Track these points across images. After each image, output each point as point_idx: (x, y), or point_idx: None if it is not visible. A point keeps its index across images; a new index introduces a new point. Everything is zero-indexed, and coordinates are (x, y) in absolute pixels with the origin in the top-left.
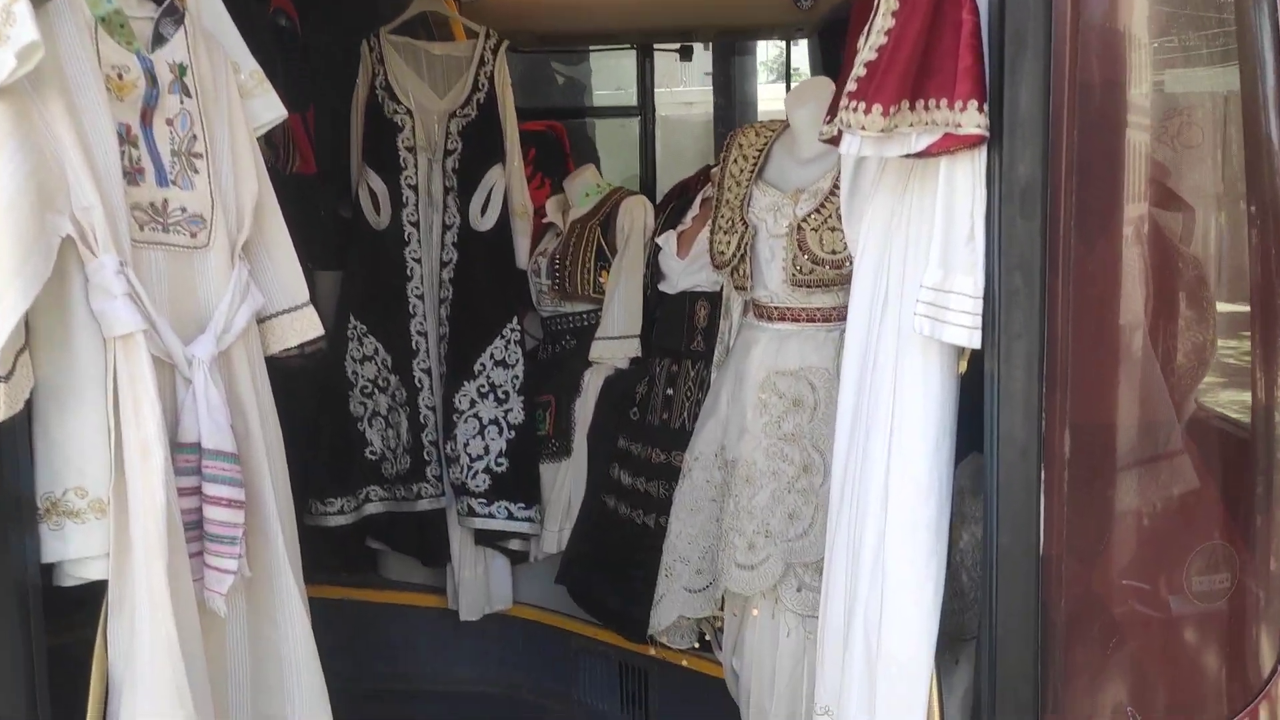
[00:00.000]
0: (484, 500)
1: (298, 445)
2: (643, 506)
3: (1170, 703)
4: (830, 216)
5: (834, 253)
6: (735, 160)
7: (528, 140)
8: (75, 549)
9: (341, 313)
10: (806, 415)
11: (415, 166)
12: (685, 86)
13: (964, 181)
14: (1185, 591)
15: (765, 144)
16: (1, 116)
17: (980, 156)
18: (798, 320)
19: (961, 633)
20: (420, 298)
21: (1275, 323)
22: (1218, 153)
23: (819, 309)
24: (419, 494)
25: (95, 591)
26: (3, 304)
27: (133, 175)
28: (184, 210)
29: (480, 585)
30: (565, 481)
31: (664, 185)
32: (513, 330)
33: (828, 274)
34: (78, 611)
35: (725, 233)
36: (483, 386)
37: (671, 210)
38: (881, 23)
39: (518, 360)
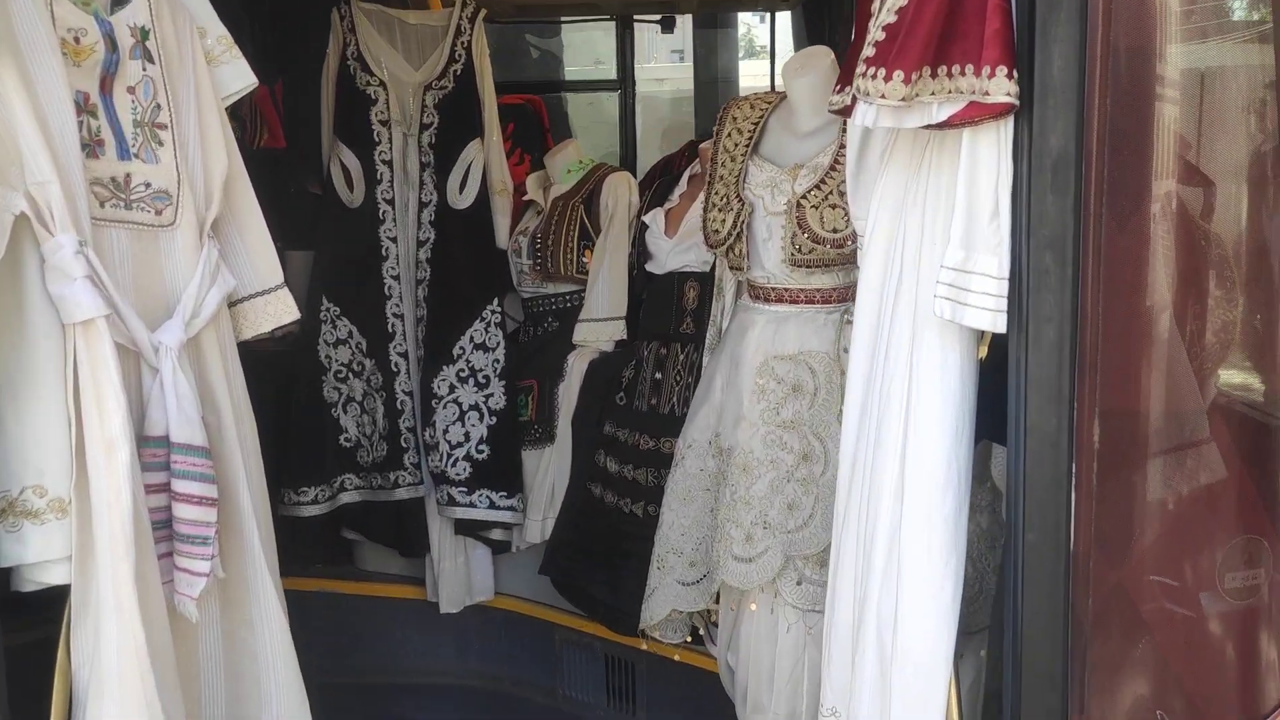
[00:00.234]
0: (464, 489)
1: (269, 432)
2: (630, 495)
3: (1201, 704)
4: (831, 193)
5: (835, 231)
6: (729, 134)
7: (506, 114)
8: (34, 552)
9: (313, 294)
10: (806, 401)
11: (390, 141)
12: (655, 63)
13: (988, 154)
14: (1218, 587)
15: (761, 117)
16: None
17: (1006, 127)
18: (796, 302)
19: (967, 626)
20: (396, 278)
21: None
22: (1251, 125)
23: (818, 290)
24: (396, 482)
25: (58, 595)
26: None
27: (92, 148)
28: (148, 185)
29: (461, 576)
30: (549, 469)
31: (640, 162)
32: (493, 312)
33: (828, 253)
34: (39, 614)
35: (720, 210)
36: (462, 371)
37: (658, 187)
38: None
39: (499, 343)
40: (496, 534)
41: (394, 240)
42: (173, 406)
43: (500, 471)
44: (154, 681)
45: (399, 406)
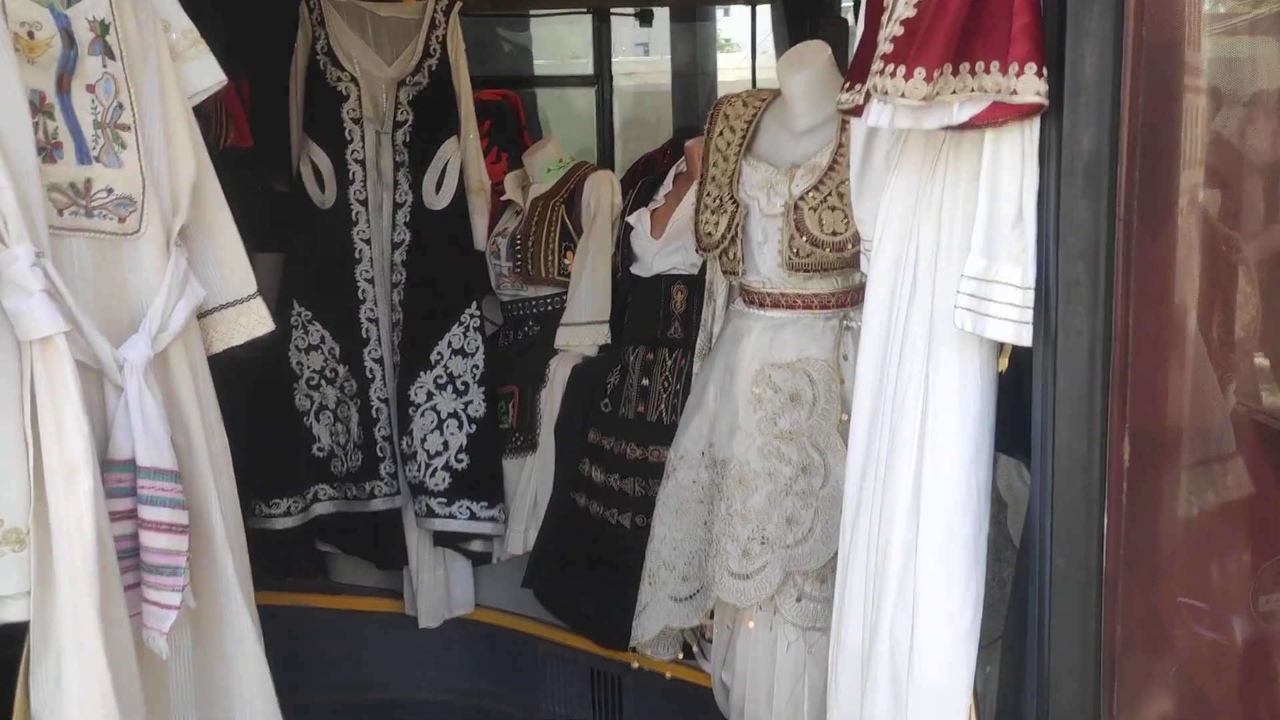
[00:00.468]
0: (444, 500)
1: (238, 442)
2: (617, 505)
3: None
4: (830, 194)
5: (835, 234)
6: (721, 133)
7: (482, 111)
8: None
9: (284, 299)
10: (805, 411)
11: (362, 139)
12: (621, 56)
13: (1011, 157)
14: (1253, 614)
15: (754, 115)
16: None
17: (1031, 129)
18: (793, 307)
19: None
20: (370, 282)
21: None
22: None
23: (816, 295)
24: (372, 493)
25: (16, 633)
26: None
27: (49, 151)
28: (110, 191)
29: (440, 589)
30: (531, 478)
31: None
32: (472, 316)
33: (828, 257)
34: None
35: (713, 212)
36: (440, 377)
37: (642, 186)
38: None
39: (478, 348)
40: (477, 545)
41: (367, 242)
42: (139, 428)
43: (480, 481)
44: None
45: (374, 414)
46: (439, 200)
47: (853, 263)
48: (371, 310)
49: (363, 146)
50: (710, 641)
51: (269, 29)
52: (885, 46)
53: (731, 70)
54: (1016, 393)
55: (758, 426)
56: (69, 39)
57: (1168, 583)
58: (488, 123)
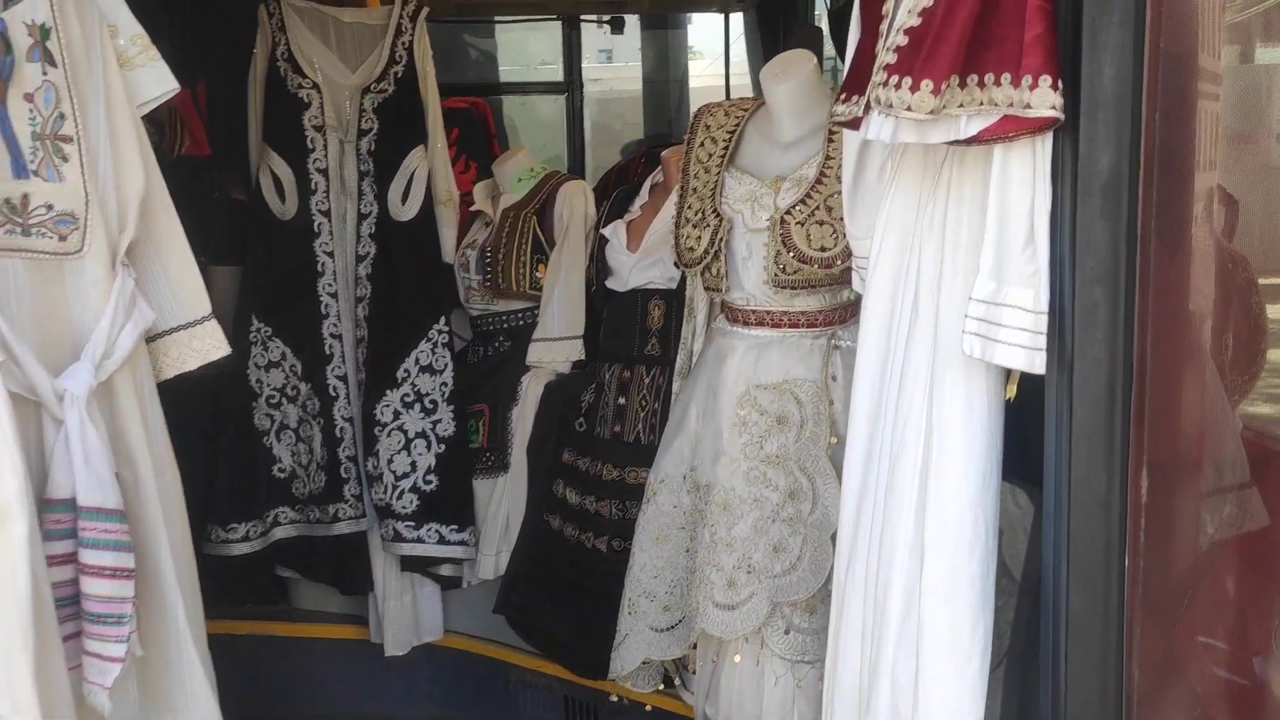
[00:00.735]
0: (412, 523)
1: (194, 465)
2: (593, 528)
3: None
4: (818, 208)
5: (823, 250)
6: (702, 143)
7: (449, 119)
8: None
9: (242, 314)
10: (792, 434)
11: (325, 148)
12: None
13: (1021, 174)
14: (1273, 655)
15: (737, 125)
16: None
17: (1044, 145)
18: (779, 325)
19: None
20: (334, 296)
21: None
22: None
23: (803, 313)
24: (336, 515)
25: None
26: None
27: None
28: (50, 208)
29: (407, 615)
30: (502, 500)
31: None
32: (440, 332)
33: (816, 274)
34: None
35: (695, 226)
36: (408, 395)
37: (617, 197)
38: None
39: (446, 365)
40: (446, 569)
41: (330, 255)
42: (80, 464)
43: (450, 503)
44: None
45: (338, 434)
46: (405, 211)
47: (842, 280)
48: (335, 326)
49: (325, 156)
50: (693, 672)
51: (226, 33)
52: (888, 56)
53: (704, 78)
54: (1010, 414)
55: (743, 450)
56: (5, 45)
57: (1187, 623)
58: (456, 131)
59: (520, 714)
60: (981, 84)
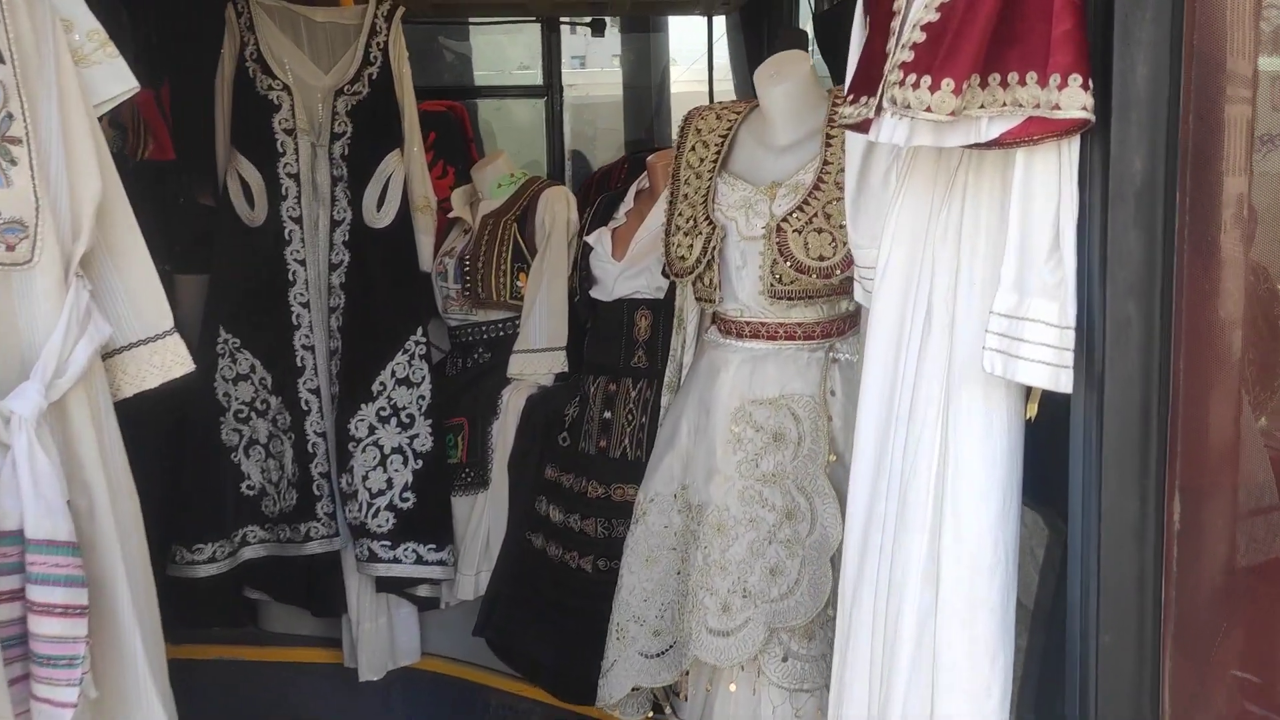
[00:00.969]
0: (388, 542)
1: (157, 482)
2: (577, 547)
3: None
4: (816, 215)
5: (822, 259)
6: (693, 148)
7: (426, 122)
8: None
9: (209, 324)
10: (789, 451)
11: (296, 152)
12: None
13: (1046, 179)
14: None
15: (729, 129)
16: None
17: (1070, 147)
18: (774, 338)
19: None
20: (305, 306)
21: None
22: None
23: (799, 324)
24: (308, 535)
25: None
26: None
27: None
28: None
29: (383, 638)
30: (482, 517)
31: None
32: (417, 343)
33: (814, 284)
34: None
35: (685, 234)
36: (383, 409)
37: (601, 203)
38: None
39: (423, 378)
40: (424, 590)
41: (302, 263)
42: (29, 492)
43: (428, 521)
44: None
45: (310, 450)
46: (381, 218)
47: (841, 290)
48: (307, 337)
49: (296, 160)
50: (684, 699)
51: (191, 33)
52: (904, 54)
53: (680, 84)
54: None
55: (738, 469)
56: None
57: (1221, 657)
58: (433, 135)
59: None
60: (1004, 84)
